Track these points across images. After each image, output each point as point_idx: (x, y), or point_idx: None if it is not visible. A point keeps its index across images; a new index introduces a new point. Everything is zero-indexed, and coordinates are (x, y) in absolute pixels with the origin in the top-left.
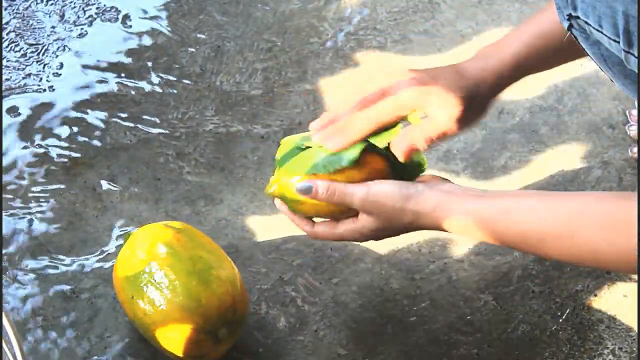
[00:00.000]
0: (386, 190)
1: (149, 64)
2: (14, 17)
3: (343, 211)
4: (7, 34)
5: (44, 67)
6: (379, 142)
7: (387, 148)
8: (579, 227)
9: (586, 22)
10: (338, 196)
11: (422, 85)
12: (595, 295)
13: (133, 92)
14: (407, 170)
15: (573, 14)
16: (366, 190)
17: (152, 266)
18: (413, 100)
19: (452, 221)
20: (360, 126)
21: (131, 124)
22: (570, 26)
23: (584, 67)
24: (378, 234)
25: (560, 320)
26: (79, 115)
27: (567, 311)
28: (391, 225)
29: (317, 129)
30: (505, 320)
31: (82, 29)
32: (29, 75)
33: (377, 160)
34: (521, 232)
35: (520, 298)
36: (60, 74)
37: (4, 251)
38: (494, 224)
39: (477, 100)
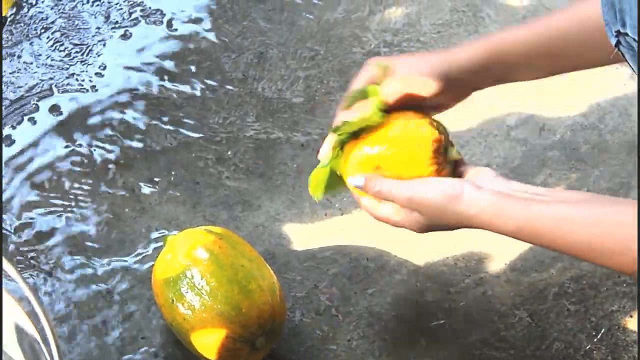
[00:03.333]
0: (431, 191)
1: (192, 68)
2: (59, 17)
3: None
4: (52, 33)
5: (87, 68)
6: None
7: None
8: None
9: (635, 39)
10: (385, 192)
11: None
12: (631, 316)
13: (175, 96)
14: None
15: (622, 30)
16: (411, 190)
17: (194, 271)
18: (382, 62)
19: (502, 226)
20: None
21: (172, 127)
22: (618, 43)
23: (627, 86)
24: (432, 229)
25: (595, 340)
26: (120, 116)
27: (602, 331)
28: (437, 223)
29: None
30: (540, 338)
31: (126, 30)
32: (72, 75)
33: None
34: (583, 245)
35: (555, 316)
36: (103, 75)
37: (41, 247)
38: (552, 234)
39: (448, 76)
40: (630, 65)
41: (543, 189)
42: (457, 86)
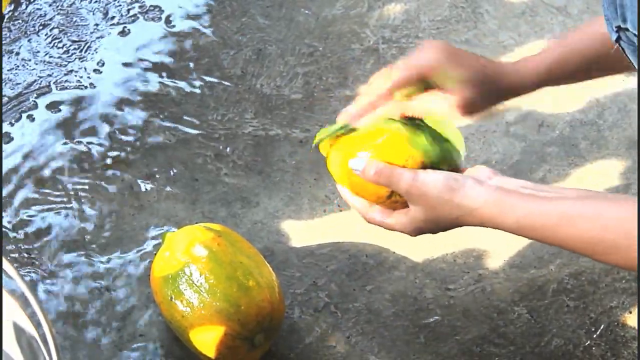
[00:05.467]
0: (433, 180)
1: (191, 64)
2: (58, 14)
3: (383, 197)
4: (51, 30)
5: (85, 64)
6: (400, 97)
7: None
8: None
9: (635, 35)
10: (385, 177)
11: (443, 46)
12: (630, 312)
13: (173, 92)
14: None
15: (622, 25)
16: (413, 176)
17: (192, 269)
18: (432, 56)
19: (503, 221)
20: (383, 86)
21: (170, 124)
22: (619, 38)
23: (626, 82)
24: (427, 226)
25: (594, 336)
26: (118, 113)
27: (602, 327)
28: (438, 217)
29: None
30: (539, 334)
31: (124, 27)
32: (71, 71)
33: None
34: (585, 240)
35: (554, 312)
36: (101, 72)
37: (39, 244)
38: (554, 229)
39: (490, 81)
40: (630, 61)
41: (542, 185)
42: (498, 83)
